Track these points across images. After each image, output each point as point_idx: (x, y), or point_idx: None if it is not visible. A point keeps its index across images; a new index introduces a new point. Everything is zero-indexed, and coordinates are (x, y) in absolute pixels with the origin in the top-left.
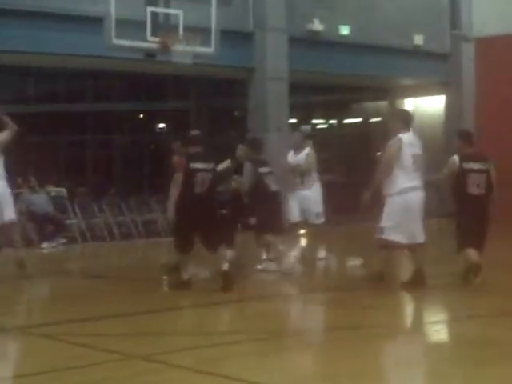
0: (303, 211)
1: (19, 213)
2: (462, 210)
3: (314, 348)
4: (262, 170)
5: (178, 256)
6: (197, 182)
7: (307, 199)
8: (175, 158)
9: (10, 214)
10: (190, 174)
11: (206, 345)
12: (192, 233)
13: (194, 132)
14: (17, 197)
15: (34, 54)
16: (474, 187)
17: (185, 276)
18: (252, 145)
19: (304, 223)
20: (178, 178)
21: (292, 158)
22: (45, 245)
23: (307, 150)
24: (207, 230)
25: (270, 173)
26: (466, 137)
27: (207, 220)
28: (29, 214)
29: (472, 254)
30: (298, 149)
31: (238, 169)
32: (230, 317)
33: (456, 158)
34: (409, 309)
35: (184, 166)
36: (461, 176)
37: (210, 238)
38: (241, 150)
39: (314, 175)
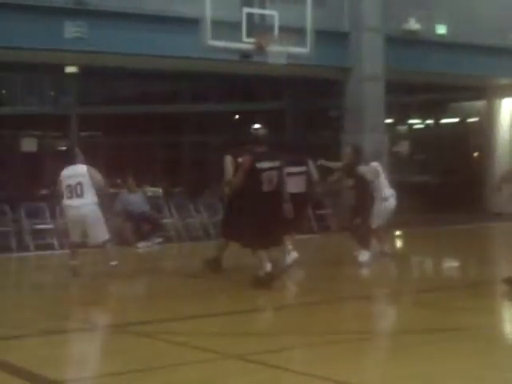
0: None
1: (116, 213)
2: None
3: (406, 349)
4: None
5: (255, 253)
6: (264, 181)
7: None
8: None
9: (103, 235)
10: (257, 173)
11: (300, 345)
12: (265, 228)
13: (260, 131)
14: (115, 197)
15: (130, 55)
16: None
17: (261, 273)
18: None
19: None
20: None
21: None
22: (141, 244)
23: (374, 163)
24: (270, 227)
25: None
26: None
27: (273, 217)
28: (126, 214)
29: None
30: (367, 162)
31: (347, 169)
32: (324, 317)
33: None
34: (503, 310)
35: (250, 165)
36: None
37: (269, 235)
38: (348, 152)
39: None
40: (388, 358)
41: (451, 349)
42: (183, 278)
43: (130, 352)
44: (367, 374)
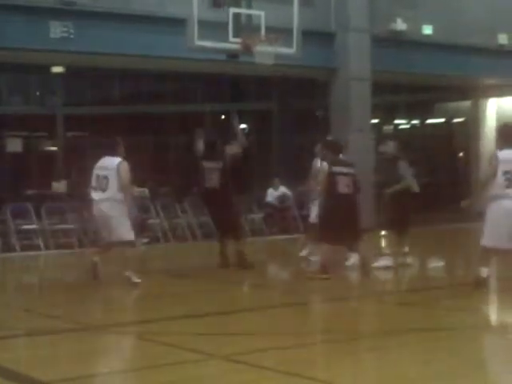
0: None
1: None
2: None
3: (398, 350)
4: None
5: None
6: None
7: None
8: None
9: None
10: None
11: (287, 345)
12: None
13: None
14: None
15: (116, 55)
16: None
17: None
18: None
19: None
20: None
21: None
22: None
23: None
24: None
25: (345, 174)
26: None
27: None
28: None
29: None
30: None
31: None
32: (312, 317)
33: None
34: (488, 309)
35: None
36: None
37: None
38: (387, 146)
39: None
40: (378, 359)
41: (438, 349)
42: (170, 279)
43: (117, 352)
44: (353, 374)
